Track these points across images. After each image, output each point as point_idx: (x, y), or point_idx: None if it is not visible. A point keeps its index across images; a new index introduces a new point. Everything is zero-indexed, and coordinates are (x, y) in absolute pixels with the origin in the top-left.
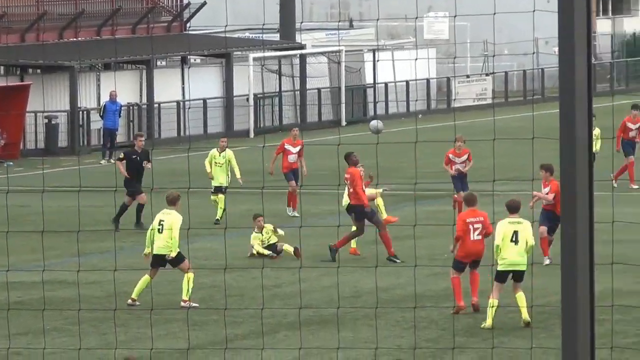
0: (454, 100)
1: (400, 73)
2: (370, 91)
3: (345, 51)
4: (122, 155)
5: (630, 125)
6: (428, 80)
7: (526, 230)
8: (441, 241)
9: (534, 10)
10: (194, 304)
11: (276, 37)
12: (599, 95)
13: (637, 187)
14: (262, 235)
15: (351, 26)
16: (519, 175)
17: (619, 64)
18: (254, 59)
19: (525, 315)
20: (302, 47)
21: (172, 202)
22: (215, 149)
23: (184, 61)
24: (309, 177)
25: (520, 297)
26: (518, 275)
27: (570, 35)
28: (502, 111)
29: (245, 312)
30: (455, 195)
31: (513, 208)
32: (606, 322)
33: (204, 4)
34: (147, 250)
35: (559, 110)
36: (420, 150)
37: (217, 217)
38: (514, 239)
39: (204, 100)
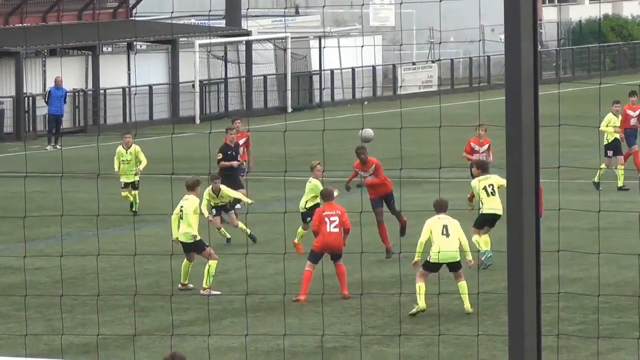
0: (400, 87)
1: (346, 60)
2: (316, 78)
3: (291, 38)
4: (220, 156)
5: (630, 112)
6: (374, 67)
7: (456, 226)
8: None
9: None
10: (214, 292)
11: (222, 23)
12: (545, 82)
13: None
14: (217, 198)
15: (297, 13)
16: (465, 162)
17: (564, 51)
18: (200, 46)
19: (467, 305)
20: (248, 33)
21: (190, 187)
22: (120, 147)
23: (129, 47)
24: (255, 162)
25: (462, 286)
26: (453, 266)
27: (517, 22)
28: (448, 98)
29: (191, 299)
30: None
31: (439, 208)
32: (552, 309)
33: None
34: (174, 237)
35: (505, 98)
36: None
37: (134, 209)
38: (444, 232)
39: (150, 87)
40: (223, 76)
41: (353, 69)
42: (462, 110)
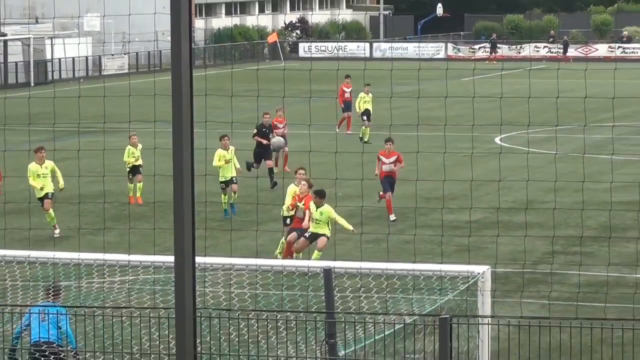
0: (104, 69)
1: (69, 52)
2: (49, 64)
3: (33, 38)
4: (255, 131)
5: (345, 89)
6: (87, 58)
7: None
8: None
9: (154, 13)
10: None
11: None
12: (197, 68)
13: (351, 132)
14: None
15: (37, 22)
16: (151, 118)
17: (209, 48)
18: None
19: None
20: (4, 35)
21: None
22: None
23: None
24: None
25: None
26: None
27: (178, 29)
28: (134, 77)
29: None
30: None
31: None
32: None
33: None
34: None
35: (171, 78)
36: (86, 103)
37: None
38: None
39: None
40: None
41: (73, 59)
42: (144, 86)
